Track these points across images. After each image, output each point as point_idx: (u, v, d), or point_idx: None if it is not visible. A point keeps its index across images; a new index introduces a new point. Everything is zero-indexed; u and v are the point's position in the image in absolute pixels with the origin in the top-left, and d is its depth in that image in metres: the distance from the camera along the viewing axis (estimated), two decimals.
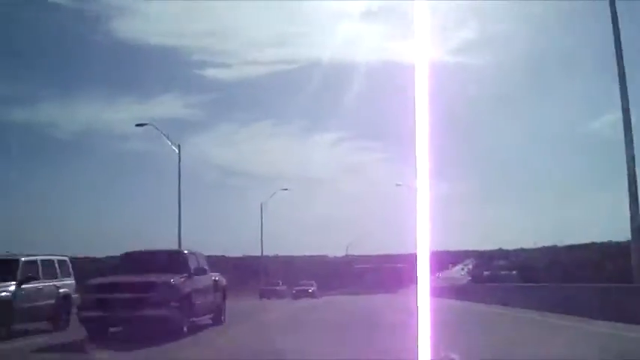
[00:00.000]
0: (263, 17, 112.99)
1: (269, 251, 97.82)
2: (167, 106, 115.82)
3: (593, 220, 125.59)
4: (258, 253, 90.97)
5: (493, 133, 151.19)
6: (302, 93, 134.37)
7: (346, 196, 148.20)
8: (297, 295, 47.49)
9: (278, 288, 55.07)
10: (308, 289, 50.22)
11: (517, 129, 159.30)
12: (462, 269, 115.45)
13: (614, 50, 17.11)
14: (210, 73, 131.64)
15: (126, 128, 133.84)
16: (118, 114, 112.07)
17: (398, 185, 47.20)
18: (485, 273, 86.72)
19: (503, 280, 59.74)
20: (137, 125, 32.06)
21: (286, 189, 59.02)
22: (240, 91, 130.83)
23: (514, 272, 79.37)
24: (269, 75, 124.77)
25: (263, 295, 50.69)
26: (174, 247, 27.97)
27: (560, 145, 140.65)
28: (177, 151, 32.20)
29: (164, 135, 31.21)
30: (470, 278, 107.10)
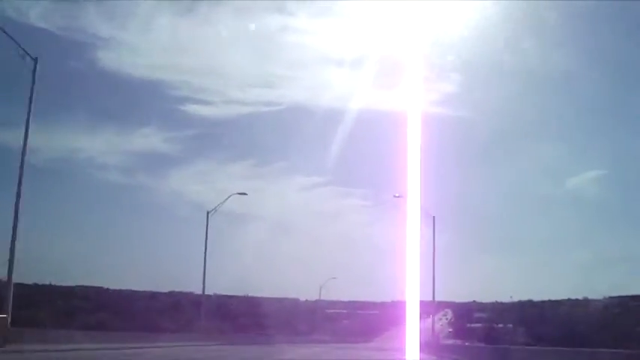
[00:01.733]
0: (251, 57, 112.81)
1: (239, 291, 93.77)
2: (147, 139, 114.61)
3: (568, 277, 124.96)
4: (229, 292, 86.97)
5: (472, 186, 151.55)
6: (283, 136, 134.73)
7: (321, 240, 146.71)
8: None
9: None
10: None
11: (496, 183, 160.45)
12: (440, 319, 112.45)
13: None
14: (192, 109, 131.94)
15: (105, 159, 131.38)
16: (98, 144, 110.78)
17: (396, 197, 41.57)
18: (476, 325, 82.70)
19: (506, 337, 53.88)
20: None
21: (245, 193, 49.21)
22: (221, 129, 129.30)
23: (508, 326, 76.23)
24: (251, 115, 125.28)
25: None
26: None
27: (538, 200, 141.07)
28: (32, 62, 26.97)
29: (15, 42, 26.01)
30: (450, 330, 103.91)
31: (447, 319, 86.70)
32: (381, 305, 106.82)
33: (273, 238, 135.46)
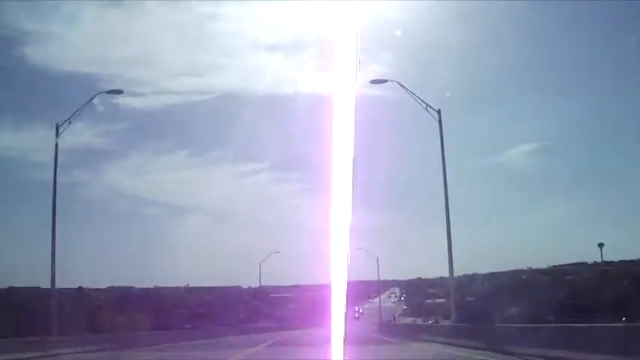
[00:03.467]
0: (180, 47, 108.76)
1: (179, 282, 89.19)
2: (79, 135, 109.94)
3: (506, 247, 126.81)
4: (169, 284, 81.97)
5: (408, 164, 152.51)
6: (217, 124, 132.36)
7: (261, 226, 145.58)
8: None
9: None
10: None
11: (432, 161, 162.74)
12: (389, 297, 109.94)
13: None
14: (123, 101, 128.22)
15: (38, 157, 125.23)
16: (30, 142, 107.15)
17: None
18: (437, 301, 78.48)
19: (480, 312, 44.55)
20: None
21: (119, 91, 32.86)
22: (154, 120, 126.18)
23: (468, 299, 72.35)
24: (184, 105, 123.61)
25: None
26: None
27: (473, 173, 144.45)
28: None
29: None
30: (405, 307, 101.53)
31: (395, 295, 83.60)
32: (327, 287, 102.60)
33: (212, 228, 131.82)
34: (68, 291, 69.82)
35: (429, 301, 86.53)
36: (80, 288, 64.84)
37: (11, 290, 66.31)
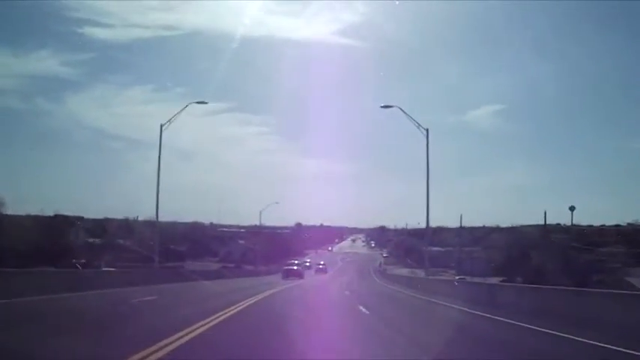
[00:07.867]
0: None
1: (131, 213, 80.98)
2: (43, 63, 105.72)
3: (464, 205, 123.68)
4: (122, 215, 73.79)
5: (373, 117, 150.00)
6: (183, 60, 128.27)
7: (221, 166, 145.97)
8: None
9: None
10: None
11: (398, 114, 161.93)
12: (354, 242, 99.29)
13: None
14: (90, 32, 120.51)
15: (1, 82, 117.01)
16: None
17: None
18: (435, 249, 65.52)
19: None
20: None
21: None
22: (121, 53, 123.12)
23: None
24: (151, 39, 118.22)
25: None
26: None
27: (437, 132, 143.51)
28: None
29: None
30: (386, 255, 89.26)
31: (363, 242, 72.28)
32: (282, 229, 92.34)
33: (175, 164, 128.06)
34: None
35: (425, 248, 73.93)
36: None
37: None
